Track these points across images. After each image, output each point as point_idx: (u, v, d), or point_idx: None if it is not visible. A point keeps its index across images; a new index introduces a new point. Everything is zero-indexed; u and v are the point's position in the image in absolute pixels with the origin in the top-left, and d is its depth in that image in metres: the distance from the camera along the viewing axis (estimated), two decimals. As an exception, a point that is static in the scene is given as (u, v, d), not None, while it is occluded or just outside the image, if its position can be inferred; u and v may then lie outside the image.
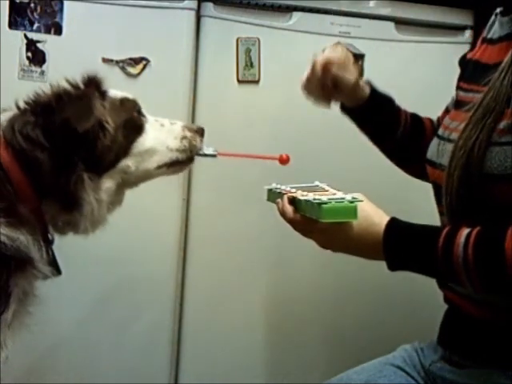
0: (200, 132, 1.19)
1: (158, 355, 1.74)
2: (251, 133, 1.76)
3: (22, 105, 1.04)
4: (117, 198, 1.12)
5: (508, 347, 0.97)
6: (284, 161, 1.18)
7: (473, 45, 1.19)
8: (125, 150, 1.08)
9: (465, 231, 0.91)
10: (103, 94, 1.09)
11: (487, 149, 0.92)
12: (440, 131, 1.09)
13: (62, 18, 1.60)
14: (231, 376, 1.79)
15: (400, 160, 1.31)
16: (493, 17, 1.12)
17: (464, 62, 1.17)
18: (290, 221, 1.03)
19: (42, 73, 1.59)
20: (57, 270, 1.02)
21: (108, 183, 1.06)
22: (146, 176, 1.14)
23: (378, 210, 1.00)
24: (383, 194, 1.80)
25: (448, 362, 1.06)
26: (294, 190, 1.06)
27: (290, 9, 1.76)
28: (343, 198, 0.96)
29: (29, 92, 1.58)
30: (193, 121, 1.73)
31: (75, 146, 0.99)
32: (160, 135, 1.14)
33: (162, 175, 1.16)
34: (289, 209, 1.02)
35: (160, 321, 1.74)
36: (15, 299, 0.91)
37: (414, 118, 1.28)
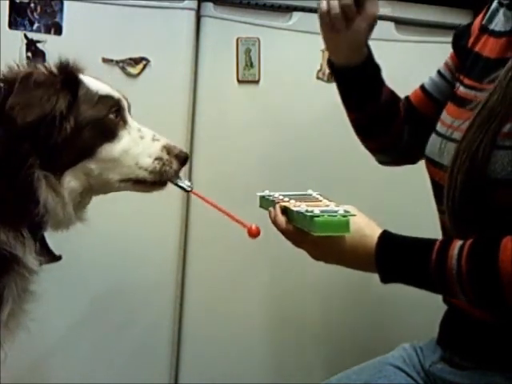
0: (181, 158, 1.08)
1: (158, 355, 1.74)
2: (251, 133, 1.77)
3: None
4: (82, 201, 1.05)
5: (508, 348, 0.97)
6: (253, 233, 1.07)
7: (468, 26, 1.17)
8: (89, 152, 1.00)
9: (458, 243, 0.91)
10: (76, 85, 1.01)
11: (491, 153, 0.90)
12: (440, 128, 1.08)
13: (61, 18, 1.59)
14: (231, 376, 1.79)
15: (368, 133, 1.29)
16: (495, 3, 1.09)
17: (463, 49, 1.14)
18: (282, 231, 1.03)
19: (42, 73, 1.59)
20: (53, 257, 0.99)
21: (72, 183, 1.00)
22: (108, 185, 1.05)
23: (371, 221, 1.00)
24: (382, 191, 1.82)
25: (448, 363, 1.06)
26: (286, 199, 1.06)
27: (290, 9, 1.76)
28: (336, 211, 0.95)
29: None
30: (193, 121, 1.73)
31: (23, 135, 0.93)
32: (134, 148, 1.05)
33: (126, 190, 1.07)
34: (281, 219, 1.02)
35: (160, 321, 1.74)
36: (9, 299, 0.90)
37: (393, 93, 1.27)
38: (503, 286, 0.85)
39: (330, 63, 1.24)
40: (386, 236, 0.97)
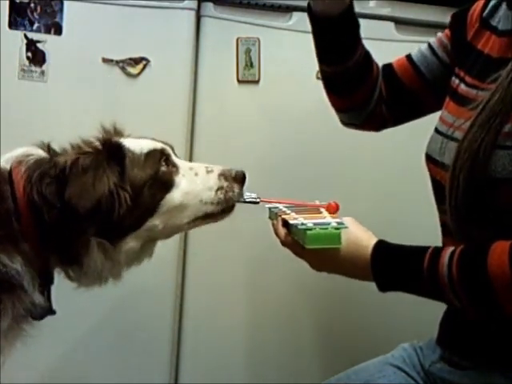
0: (239, 179, 1.08)
1: (158, 355, 1.74)
2: (251, 133, 1.76)
3: (52, 147, 1.02)
4: (145, 252, 1.07)
5: (508, 348, 0.97)
6: (333, 209, 1.08)
7: (465, 10, 1.15)
8: (151, 210, 1.01)
9: (449, 250, 0.92)
10: (122, 155, 1.01)
11: (493, 152, 0.91)
12: (441, 127, 1.07)
13: (61, 18, 1.60)
14: (231, 376, 1.79)
15: (337, 89, 1.27)
16: None
17: (461, 39, 1.13)
18: (283, 243, 1.07)
19: (42, 73, 1.59)
20: (50, 309, 1.00)
21: (131, 243, 1.01)
22: (176, 230, 1.08)
23: (367, 231, 1.02)
24: (382, 191, 1.82)
25: (447, 363, 1.06)
26: (288, 212, 1.08)
27: (290, 9, 1.76)
28: (329, 224, 0.97)
29: (29, 92, 1.60)
30: (193, 121, 1.72)
31: (86, 218, 0.96)
32: (193, 187, 1.05)
33: (194, 228, 1.09)
34: (281, 232, 1.06)
35: (160, 321, 1.73)
36: (8, 313, 0.92)
37: (368, 54, 1.25)
38: (494, 290, 0.86)
39: (309, 9, 1.19)
40: (380, 245, 0.99)
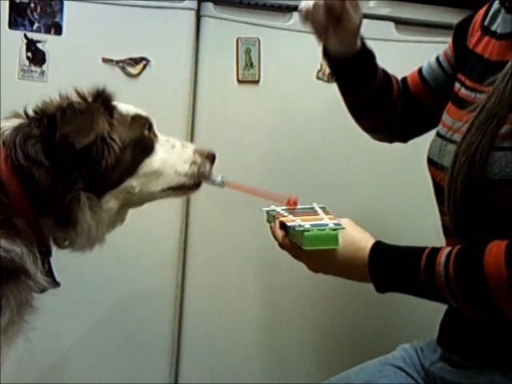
0: (210, 157, 1.16)
1: (158, 355, 1.74)
2: (251, 133, 1.77)
3: (30, 112, 1.01)
4: (119, 217, 1.10)
5: (508, 348, 0.97)
6: (291, 205, 1.13)
7: (469, 19, 1.18)
8: (131, 170, 1.05)
9: (446, 250, 0.92)
10: (111, 110, 1.05)
11: (489, 154, 0.91)
12: (441, 130, 1.08)
13: (62, 18, 1.60)
14: (231, 376, 1.79)
15: (362, 114, 1.31)
16: (496, 3, 1.09)
17: (462, 47, 1.15)
18: (280, 245, 1.08)
19: (42, 73, 1.59)
20: (54, 282, 1.01)
21: (111, 203, 1.04)
22: (150, 197, 1.11)
23: (365, 233, 1.02)
24: (383, 191, 1.82)
25: (448, 363, 1.06)
26: (285, 214, 1.10)
27: (290, 9, 1.76)
28: (326, 225, 0.98)
29: (29, 92, 1.60)
30: (193, 121, 1.73)
31: (76, 162, 0.96)
32: (169, 157, 1.11)
33: (166, 198, 1.13)
34: (279, 234, 1.07)
35: (160, 321, 1.74)
36: (9, 308, 0.91)
37: (386, 74, 1.29)
38: (490, 290, 0.86)
39: (324, 51, 1.23)
40: (378, 246, 0.99)
